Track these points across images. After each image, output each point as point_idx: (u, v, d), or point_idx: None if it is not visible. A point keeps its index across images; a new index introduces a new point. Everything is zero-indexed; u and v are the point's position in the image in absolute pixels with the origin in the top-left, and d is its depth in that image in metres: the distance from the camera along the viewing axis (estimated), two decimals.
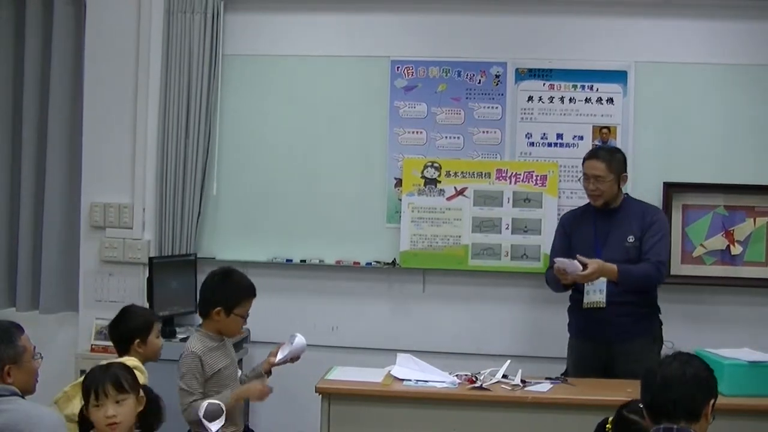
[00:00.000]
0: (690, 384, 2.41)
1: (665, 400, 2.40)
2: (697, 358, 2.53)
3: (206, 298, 3.39)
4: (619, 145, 4.69)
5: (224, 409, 2.84)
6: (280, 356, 3.43)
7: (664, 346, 4.13)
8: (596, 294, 4.04)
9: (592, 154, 4.17)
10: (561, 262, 3.96)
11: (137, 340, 3.34)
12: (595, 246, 4.09)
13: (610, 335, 4.01)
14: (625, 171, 4.18)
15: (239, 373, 3.49)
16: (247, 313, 3.40)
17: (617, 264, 3.96)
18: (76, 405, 3.01)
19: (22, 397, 2.64)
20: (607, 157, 4.11)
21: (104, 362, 2.87)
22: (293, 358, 3.49)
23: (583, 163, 4.19)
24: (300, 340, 3.45)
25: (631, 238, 4.06)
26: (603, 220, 4.14)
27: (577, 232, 4.21)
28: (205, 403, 2.82)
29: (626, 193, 4.26)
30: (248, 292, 3.42)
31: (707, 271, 4.69)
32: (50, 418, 2.60)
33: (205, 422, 2.78)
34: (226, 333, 3.38)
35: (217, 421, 2.84)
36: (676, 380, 2.41)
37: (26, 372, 2.71)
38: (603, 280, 4.01)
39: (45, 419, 2.58)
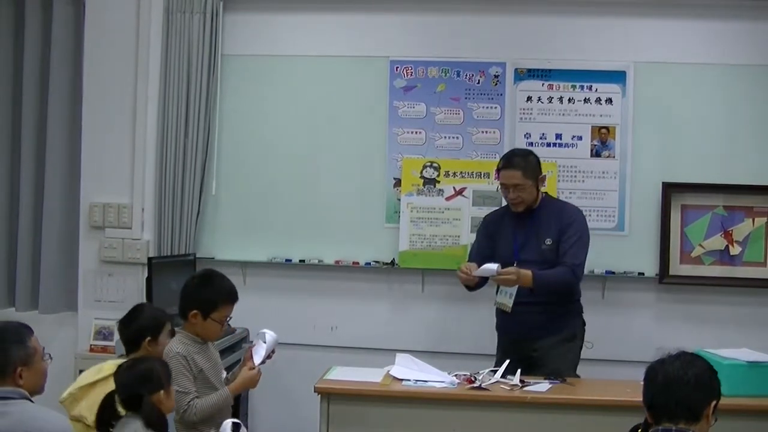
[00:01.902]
0: (691, 384, 2.40)
1: (666, 400, 2.40)
2: (701, 359, 2.51)
3: (184, 300, 3.33)
4: (617, 146, 4.70)
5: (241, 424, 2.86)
6: (258, 360, 3.35)
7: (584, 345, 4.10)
8: (504, 296, 4.03)
9: (507, 163, 4.04)
10: (480, 271, 3.90)
11: (148, 338, 3.31)
12: (513, 249, 4.04)
13: (523, 333, 4.00)
14: (542, 172, 4.10)
15: (224, 375, 3.45)
16: (225, 318, 3.32)
17: (533, 270, 3.88)
18: (83, 406, 3.02)
19: (31, 400, 2.64)
20: (522, 163, 4.00)
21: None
22: (269, 355, 3.40)
23: (497, 172, 4.14)
24: (272, 336, 3.36)
25: (548, 241, 3.99)
26: (521, 222, 4.06)
27: (499, 234, 4.14)
28: (228, 423, 2.84)
29: (545, 192, 4.20)
30: (227, 297, 3.32)
31: (706, 271, 4.69)
32: (58, 422, 2.60)
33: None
34: (203, 336, 3.30)
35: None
36: (677, 380, 2.40)
37: (36, 373, 2.70)
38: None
39: (53, 422, 2.57)
